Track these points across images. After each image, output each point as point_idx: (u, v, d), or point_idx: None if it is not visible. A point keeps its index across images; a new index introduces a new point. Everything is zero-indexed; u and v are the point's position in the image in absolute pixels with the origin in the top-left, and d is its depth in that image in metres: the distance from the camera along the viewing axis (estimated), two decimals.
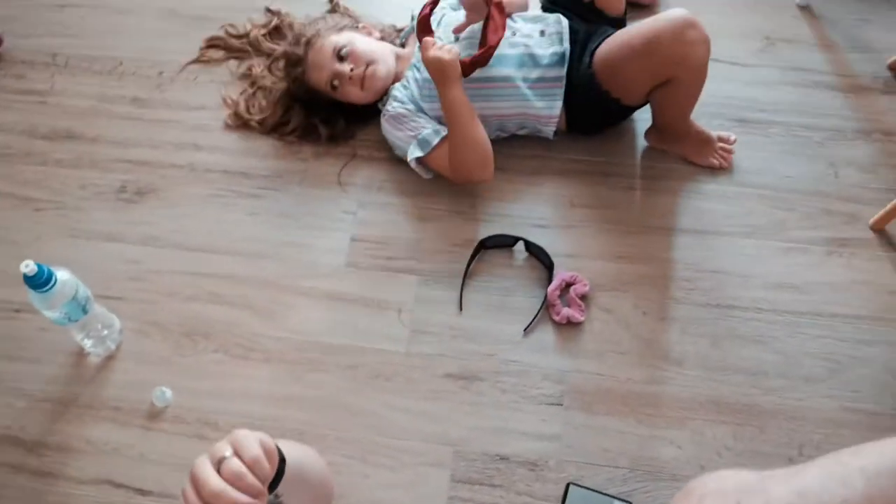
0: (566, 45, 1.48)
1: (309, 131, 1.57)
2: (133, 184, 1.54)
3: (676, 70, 1.36)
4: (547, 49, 1.48)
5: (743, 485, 0.63)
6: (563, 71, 1.47)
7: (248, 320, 1.37)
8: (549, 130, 1.52)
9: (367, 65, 1.49)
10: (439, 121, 1.48)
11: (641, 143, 1.58)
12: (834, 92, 1.63)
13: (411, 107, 1.49)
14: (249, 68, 1.68)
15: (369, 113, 1.57)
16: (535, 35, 1.49)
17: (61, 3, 1.84)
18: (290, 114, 1.58)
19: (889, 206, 1.42)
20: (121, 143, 1.60)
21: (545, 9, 1.60)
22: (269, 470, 0.68)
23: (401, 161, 1.54)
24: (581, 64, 1.46)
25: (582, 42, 1.49)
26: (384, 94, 1.54)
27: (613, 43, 1.42)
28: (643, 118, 1.58)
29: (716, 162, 1.53)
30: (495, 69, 1.46)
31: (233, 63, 1.72)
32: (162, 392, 1.28)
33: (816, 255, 1.43)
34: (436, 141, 1.44)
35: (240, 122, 1.60)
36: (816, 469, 0.59)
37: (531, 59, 1.47)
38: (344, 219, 1.49)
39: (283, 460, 0.73)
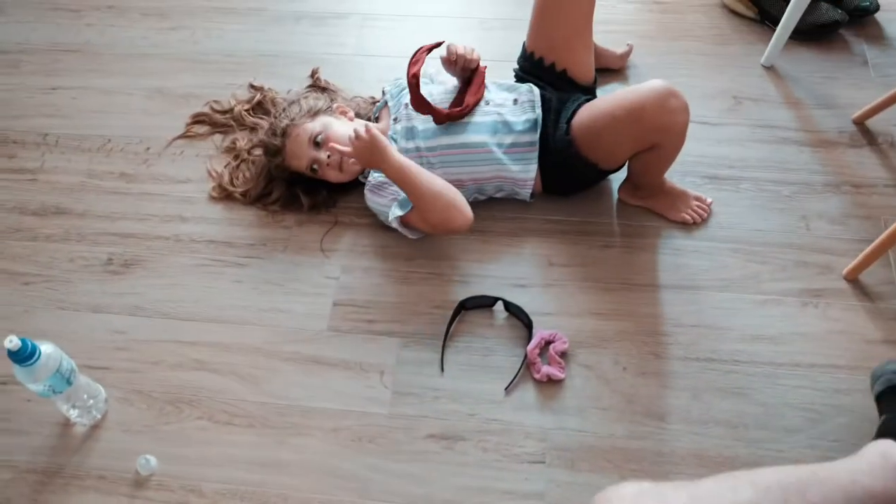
0: (538, 111, 1.53)
1: (291, 201, 1.62)
2: (120, 256, 1.57)
3: (660, 137, 1.42)
4: (520, 116, 1.54)
5: (640, 491, 0.66)
6: (536, 136, 1.52)
7: (231, 386, 1.39)
8: (525, 192, 1.56)
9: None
10: None
11: (616, 204, 1.62)
12: (801, 147, 1.68)
13: None
14: (233, 142, 1.73)
15: (350, 182, 1.61)
16: (508, 104, 1.56)
17: (52, 85, 1.91)
18: (272, 185, 1.63)
19: (861, 256, 1.45)
20: (108, 217, 1.64)
21: (518, 79, 1.66)
22: None
23: (382, 226, 1.58)
24: (557, 131, 1.51)
25: (555, 110, 1.55)
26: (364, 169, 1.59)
27: (594, 112, 1.47)
28: (617, 176, 1.62)
29: (688, 217, 1.56)
30: (471, 136, 1.52)
31: (217, 137, 1.77)
32: (146, 460, 1.29)
33: (792, 307, 1.45)
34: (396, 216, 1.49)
35: (224, 194, 1.65)
36: (711, 480, 0.64)
37: (505, 126, 1.53)
38: (327, 284, 1.52)
39: None
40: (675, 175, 1.61)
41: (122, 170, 1.73)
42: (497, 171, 1.53)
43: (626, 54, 1.83)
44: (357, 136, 1.40)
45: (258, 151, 1.67)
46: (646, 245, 1.55)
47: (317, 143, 1.53)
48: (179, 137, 1.78)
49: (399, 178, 1.42)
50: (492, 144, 1.52)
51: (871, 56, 1.84)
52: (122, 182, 1.70)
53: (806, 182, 1.62)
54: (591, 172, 1.53)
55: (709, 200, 1.59)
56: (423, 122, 1.55)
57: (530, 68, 1.64)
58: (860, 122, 1.71)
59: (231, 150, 1.73)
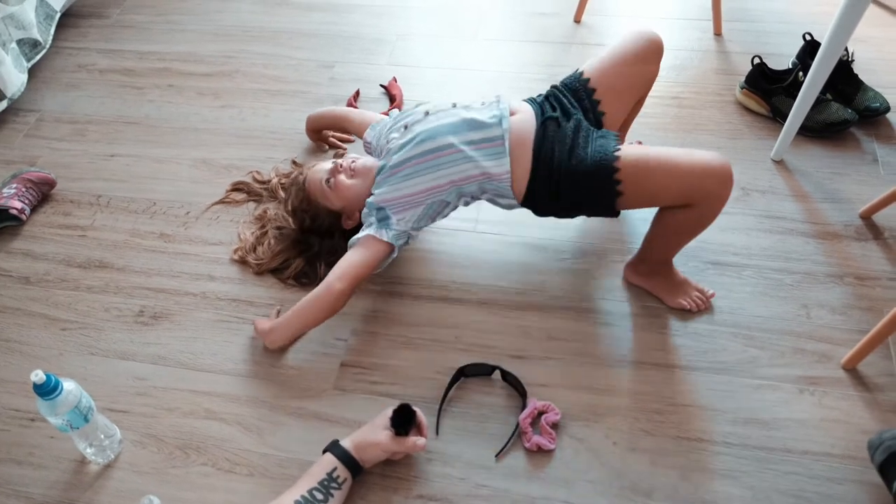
0: (503, 105, 1.57)
1: (303, 275, 1.71)
2: (150, 309, 1.70)
3: (705, 202, 1.43)
4: (486, 113, 1.57)
5: None
6: (502, 129, 1.53)
7: (237, 436, 1.47)
8: (505, 188, 1.54)
9: (354, 160, 1.66)
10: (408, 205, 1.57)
11: (619, 285, 1.67)
12: (807, 238, 1.72)
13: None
14: (265, 210, 1.86)
15: None
16: (475, 105, 1.60)
17: (111, 153, 2.09)
18: (287, 262, 1.73)
19: (859, 345, 1.47)
20: (144, 273, 1.77)
21: (548, 96, 1.66)
22: None
23: (393, 294, 1.68)
24: (588, 146, 1.50)
25: (574, 125, 1.54)
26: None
27: (651, 152, 1.46)
28: (623, 259, 1.69)
29: (686, 304, 1.60)
30: (439, 139, 1.54)
31: (252, 205, 1.91)
32: (150, 501, 1.36)
33: (787, 393, 1.47)
34: (357, 240, 1.58)
35: (243, 257, 1.77)
36: None
37: (471, 123, 1.55)
38: (336, 345, 1.60)
39: None
40: (679, 258, 1.66)
41: (163, 230, 1.87)
42: (471, 170, 1.54)
43: None
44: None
45: (281, 224, 1.79)
46: (646, 325, 1.59)
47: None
48: (218, 202, 1.92)
49: (290, 334, 1.59)
50: (461, 144, 1.54)
51: (881, 154, 1.88)
52: (161, 241, 1.84)
53: (809, 272, 1.66)
54: (601, 199, 1.50)
55: (710, 293, 1.62)
56: (396, 144, 1.60)
57: (574, 87, 1.64)
58: (867, 217, 1.74)
59: (261, 218, 1.85)
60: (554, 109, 1.59)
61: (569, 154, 1.50)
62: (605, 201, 1.49)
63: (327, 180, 1.66)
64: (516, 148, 1.53)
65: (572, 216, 1.59)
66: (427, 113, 1.62)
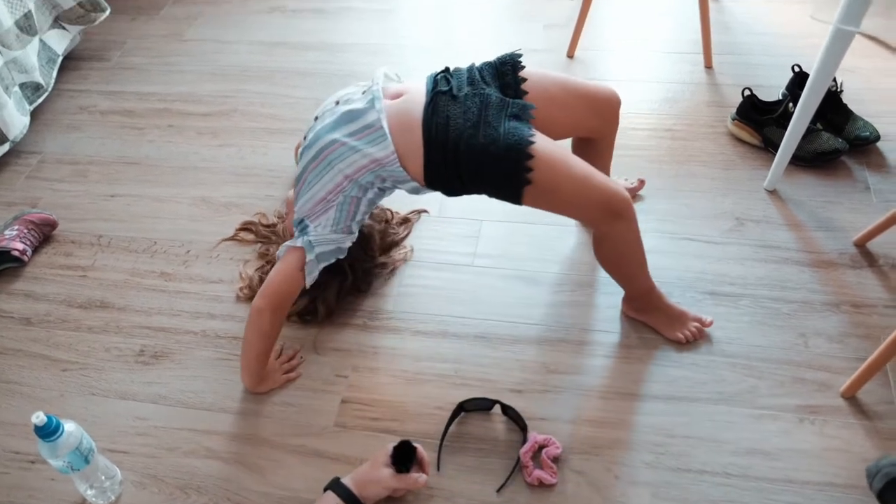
0: (375, 88, 1.56)
1: (305, 313, 1.71)
2: (151, 348, 1.70)
3: (601, 227, 1.49)
4: (362, 101, 1.56)
5: None
6: (377, 111, 1.51)
7: (238, 475, 1.47)
8: (397, 171, 1.51)
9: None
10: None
11: (616, 316, 1.68)
12: (802, 267, 1.73)
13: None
14: (267, 249, 1.88)
15: (360, 288, 1.75)
16: (357, 95, 1.59)
17: (111, 193, 2.11)
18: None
19: (858, 372, 1.47)
20: (145, 312, 1.78)
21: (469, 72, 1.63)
22: None
23: (391, 329, 1.69)
24: (499, 125, 1.46)
25: (483, 100, 1.51)
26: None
27: (570, 161, 1.46)
28: (619, 292, 1.68)
29: (681, 337, 1.61)
30: (323, 139, 1.54)
31: (258, 245, 1.92)
32: None
33: (787, 422, 1.47)
34: (282, 253, 1.57)
35: (250, 295, 1.77)
36: None
37: (350, 115, 1.54)
38: (337, 382, 1.61)
39: None
40: (676, 289, 1.68)
41: (163, 269, 1.88)
42: (359, 160, 1.51)
43: (636, 189, 1.93)
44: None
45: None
46: (644, 356, 1.60)
47: None
48: (228, 240, 1.94)
49: (257, 368, 1.58)
50: (343, 137, 1.53)
51: (872, 182, 1.90)
52: (162, 280, 1.85)
53: (805, 301, 1.67)
54: (508, 184, 1.47)
55: (708, 321, 1.62)
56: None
57: (504, 60, 1.61)
58: (861, 245, 1.75)
59: (264, 255, 1.87)
60: (447, 83, 1.56)
61: (473, 130, 1.46)
62: (511, 188, 1.48)
63: (291, 232, 1.68)
64: (398, 128, 1.50)
65: (481, 194, 1.56)
66: (316, 118, 1.63)
